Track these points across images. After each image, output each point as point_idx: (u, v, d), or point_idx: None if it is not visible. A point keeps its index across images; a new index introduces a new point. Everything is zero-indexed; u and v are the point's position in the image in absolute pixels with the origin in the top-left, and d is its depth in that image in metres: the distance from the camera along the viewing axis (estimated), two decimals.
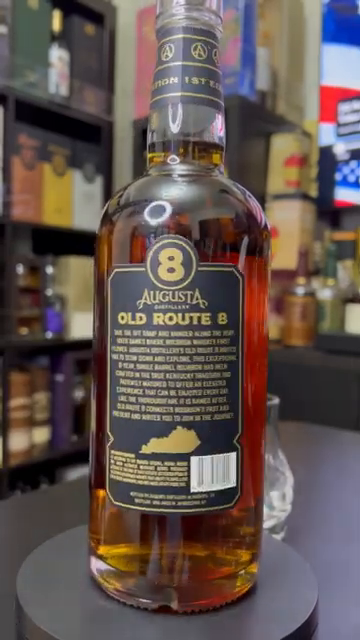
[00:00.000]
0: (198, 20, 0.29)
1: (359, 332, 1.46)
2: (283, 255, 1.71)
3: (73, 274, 1.78)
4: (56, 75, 1.72)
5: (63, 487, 0.58)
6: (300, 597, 0.27)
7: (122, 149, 2.06)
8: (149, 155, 0.31)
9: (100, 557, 0.28)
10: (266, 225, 0.30)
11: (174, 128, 0.29)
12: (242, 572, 0.28)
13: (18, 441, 1.70)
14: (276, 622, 0.25)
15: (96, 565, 0.29)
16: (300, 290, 1.55)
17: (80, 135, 1.85)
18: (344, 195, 1.68)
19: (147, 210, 0.27)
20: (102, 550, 0.29)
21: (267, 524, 0.40)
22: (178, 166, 0.30)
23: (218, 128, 0.30)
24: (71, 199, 1.82)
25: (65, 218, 1.80)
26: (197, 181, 0.29)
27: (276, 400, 0.42)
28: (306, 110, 1.92)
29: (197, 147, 0.30)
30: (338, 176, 1.68)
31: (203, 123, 0.30)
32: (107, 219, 0.30)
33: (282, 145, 1.75)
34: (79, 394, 1.87)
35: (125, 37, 2.01)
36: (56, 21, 1.74)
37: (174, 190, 0.28)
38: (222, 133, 0.31)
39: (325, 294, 1.54)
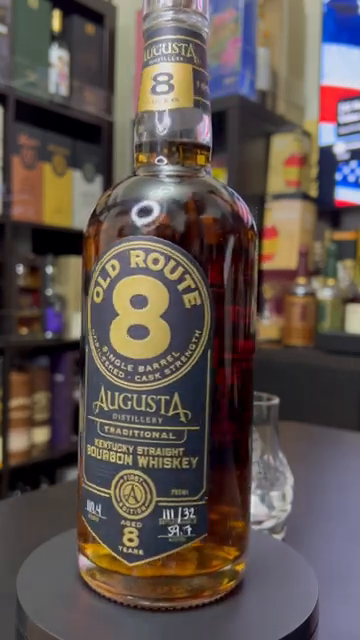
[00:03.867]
0: (185, 22, 0.29)
1: (359, 332, 1.46)
2: (283, 255, 1.71)
3: (73, 274, 1.78)
4: (56, 75, 1.72)
5: (63, 487, 0.58)
6: (300, 596, 0.27)
7: (122, 149, 2.06)
8: (136, 155, 0.31)
9: (86, 555, 0.29)
10: (253, 226, 0.30)
11: (161, 129, 0.29)
12: (228, 568, 0.28)
13: (18, 441, 1.70)
14: (276, 621, 0.25)
15: (84, 563, 0.29)
16: (300, 290, 1.55)
17: (80, 135, 1.85)
18: (344, 195, 1.68)
19: (133, 210, 0.27)
20: (88, 549, 0.29)
21: (267, 524, 0.40)
22: (165, 167, 0.30)
23: (205, 129, 0.31)
24: (71, 199, 1.82)
25: (65, 218, 1.80)
26: (183, 182, 0.29)
27: (276, 400, 0.42)
28: (306, 110, 1.92)
29: (184, 148, 0.30)
30: (338, 176, 1.68)
31: (189, 124, 0.30)
32: (95, 218, 0.30)
33: (282, 145, 1.75)
34: (79, 394, 1.87)
35: (125, 37, 2.01)
36: (56, 21, 1.74)
37: (161, 191, 0.28)
38: (209, 134, 0.31)
39: (325, 294, 1.54)
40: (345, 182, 1.67)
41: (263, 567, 0.30)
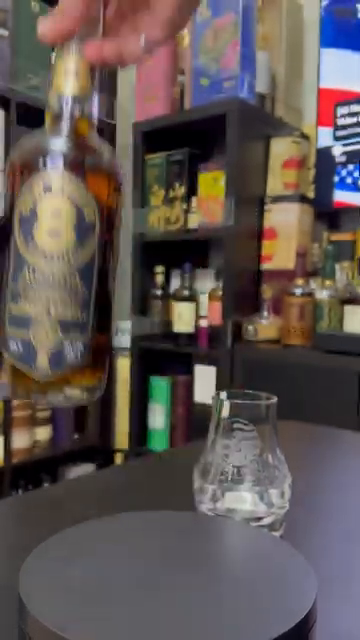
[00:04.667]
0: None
1: (357, 332, 1.48)
2: (282, 256, 1.74)
3: None
4: None
5: (65, 485, 0.59)
6: (298, 594, 0.27)
7: (123, 152, 2.08)
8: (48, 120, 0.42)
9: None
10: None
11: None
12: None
13: (20, 439, 1.72)
14: (273, 618, 0.25)
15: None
16: (298, 290, 1.57)
17: None
18: (342, 197, 1.70)
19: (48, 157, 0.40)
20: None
21: (266, 521, 0.42)
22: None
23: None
24: None
25: None
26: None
27: (274, 399, 0.43)
28: (304, 113, 1.94)
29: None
30: (336, 178, 1.71)
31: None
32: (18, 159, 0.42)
33: (281, 148, 1.77)
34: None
35: None
36: None
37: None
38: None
39: (323, 294, 1.56)
40: (342, 184, 1.69)
41: (261, 563, 0.30)
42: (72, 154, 0.39)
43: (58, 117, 0.40)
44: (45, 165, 0.39)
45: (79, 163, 0.39)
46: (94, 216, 0.39)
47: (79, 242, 0.39)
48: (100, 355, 0.42)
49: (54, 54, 0.41)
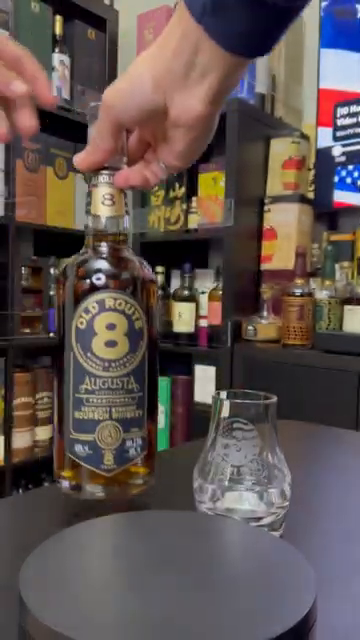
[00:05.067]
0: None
1: (356, 332, 1.48)
2: (281, 256, 1.74)
3: None
4: (58, 79, 1.74)
5: None
6: (298, 593, 0.27)
7: None
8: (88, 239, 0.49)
9: (68, 479, 0.47)
10: (152, 279, 0.49)
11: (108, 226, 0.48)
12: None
13: (21, 439, 1.73)
14: (273, 618, 0.25)
15: (66, 485, 0.47)
16: (298, 290, 1.57)
17: (82, 138, 1.85)
18: (341, 197, 1.70)
19: (102, 275, 0.46)
20: (69, 474, 0.46)
21: (266, 521, 0.42)
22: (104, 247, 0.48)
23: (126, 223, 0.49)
24: (73, 201, 1.84)
25: (67, 220, 1.82)
26: (120, 257, 0.48)
27: (274, 399, 0.43)
28: (304, 113, 1.95)
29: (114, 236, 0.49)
30: (335, 178, 1.71)
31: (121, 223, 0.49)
32: (71, 275, 0.47)
33: (280, 148, 1.77)
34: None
35: (126, 41, 2.03)
36: (58, 25, 1.76)
37: (113, 262, 0.48)
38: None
39: (323, 294, 1.56)
40: (342, 184, 1.69)
41: (261, 563, 0.30)
42: (117, 272, 0.45)
43: (99, 237, 0.47)
44: (96, 286, 0.44)
45: (124, 280, 0.45)
46: (142, 322, 0.45)
47: (132, 348, 0.45)
48: (151, 444, 0.48)
49: (89, 181, 0.48)
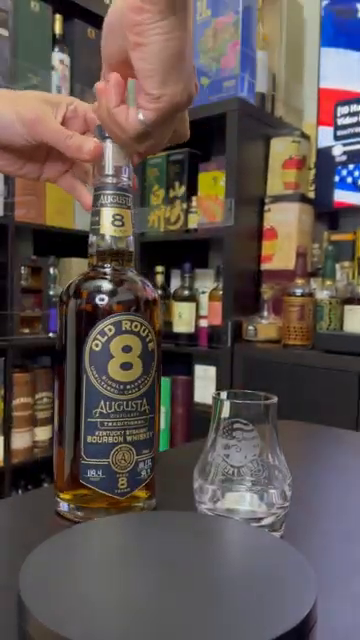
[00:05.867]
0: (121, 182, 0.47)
1: (357, 332, 1.48)
2: (282, 256, 1.73)
3: (74, 275, 1.80)
4: (57, 78, 1.74)
5: None
6: (298, 594, 0.27)
7: None
8: (93, 259, 0.48)
9: (70, 502, 0.46)
10: (155, 298, 0.48)
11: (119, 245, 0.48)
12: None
13: (20, 439, 1.72)
14: (274, 619, 0.25)
15: (65, 507, 0.46)
16: (298, 290, 1.57)
17: None
18: (342, 197, 1.70)
19: (116, 297, 0.46)
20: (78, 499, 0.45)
21: (266, 521, 0.42)
22: (108, 269, 0.48)
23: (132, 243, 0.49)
24: (72, 201, 1.84)
25: (66, 219, 1.82)
26: (130, 279, 0.48)
27: (274, 399, 0.43)
28: (305, 113, 1.94)
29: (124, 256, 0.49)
30: (336, 178, 1.71)
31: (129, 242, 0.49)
32: (83, 297, 0.47)
33: (281, 147, 1.77)
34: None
35: None
36: (57, 24, 1.76)
37: (126, 285, 0.47)
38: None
39: (323, 294, 1.56)
40: (343, 184, 1.69)
41: (261, 563, 0.30)
42: (131, 294, 0.46)
43: (106, 257, 0.47)
44: (112, 308, 0.44)
45: (137, 301, 0.45)
46: (154, 343, 0.46)
47: (145, 370, 0.45)
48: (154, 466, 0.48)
49: (96, 201, 0.47)
